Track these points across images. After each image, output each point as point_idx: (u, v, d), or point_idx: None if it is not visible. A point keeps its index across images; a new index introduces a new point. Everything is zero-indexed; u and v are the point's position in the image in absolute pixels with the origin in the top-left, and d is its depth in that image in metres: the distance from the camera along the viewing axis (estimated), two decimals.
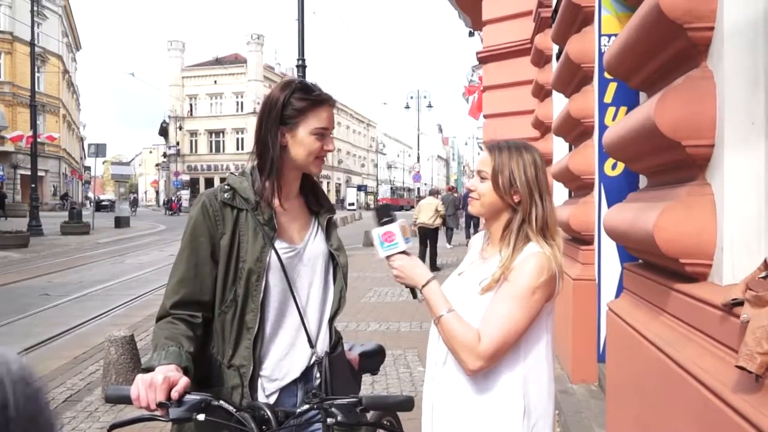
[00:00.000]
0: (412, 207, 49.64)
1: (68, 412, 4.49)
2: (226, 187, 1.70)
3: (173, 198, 50.99)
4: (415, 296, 1.70)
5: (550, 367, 1.72)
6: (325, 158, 1.75)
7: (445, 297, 1.67)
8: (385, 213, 1.72)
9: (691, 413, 1.90)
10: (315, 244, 1.79)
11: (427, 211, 12.39)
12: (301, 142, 1.67)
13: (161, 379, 1.35)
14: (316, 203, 1.84)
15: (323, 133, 1.69)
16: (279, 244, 1.69)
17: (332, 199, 64.28)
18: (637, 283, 2.77)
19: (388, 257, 1.71)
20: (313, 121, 1.67)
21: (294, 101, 1.66)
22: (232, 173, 1.76)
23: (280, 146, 1.68)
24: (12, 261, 14.60)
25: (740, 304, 1.61)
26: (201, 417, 1.35)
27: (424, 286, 1.68)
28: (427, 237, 12.45)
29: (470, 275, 1.77)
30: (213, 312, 1.67)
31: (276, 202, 1.72)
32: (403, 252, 1.71)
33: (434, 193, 16.46)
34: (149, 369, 1.41)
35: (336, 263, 1.81)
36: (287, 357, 1.70)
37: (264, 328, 1.67)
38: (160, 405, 1.33)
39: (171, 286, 1.63)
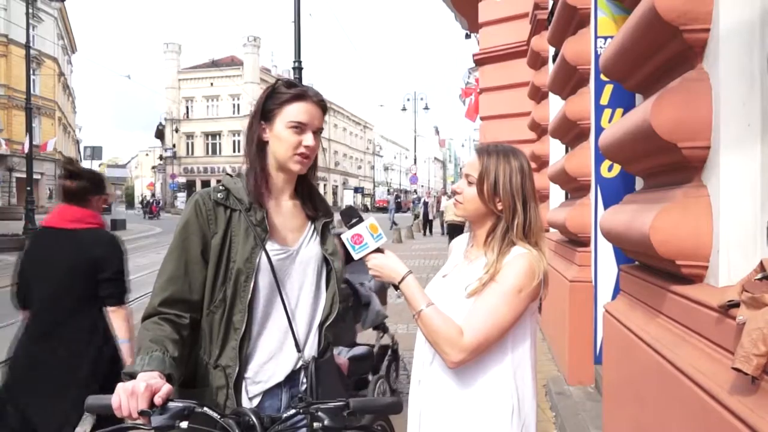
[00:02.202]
0: (409, 209, 49.56)
1: None
2: (220, 187, 1.70)
3: (152, 200, 48.90)
4: (397, 288, 1.71)
5: (534, 366, 1.73)
6: (309, 157, 1.72)
7: (423, 292, 1.68)
8: (350, 216, 1.73)
9: (687, 415, 1.90)
10: (309, 248, 1.78)
11: (452, 210, 13.57)
12: (278, 135, 1.68)
13: (143, 387, 1.32)
14: (312, 208, 1.83)
15: (300, 128, 1.68)
16: (270, 246, 1.68)
17: (329, 201, 64.31)
18: (634, 285, 2.77)
19: (363, 257, 1.72)
20: (289, 114, 1.67)
21: (275, 96, 1.69)
22: (227, 174, 1.76)
23: (261, 141, 1.69)
24: (8, 264, 14.49)
25: (736, 305, 1.61)
26: (184, 425, 1.32)
27: (400, 282, 1.68)
28: (455, 232, 13.76)
29: (455, 277, 1.77)
30: (201, 313, 1.65)
31: (268, 202, 1.72)
32: (377, 250, 1.72)
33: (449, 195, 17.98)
34: (131, 374, 1.39)
35: (330, 268, 1.80)
36: (272, 360, 1.69)
37: (250, 330, 1.66)
38: (142, 413, 1.31)
39: (160, 283, 1.61)
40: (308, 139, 1.69)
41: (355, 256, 1.72)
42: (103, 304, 2.78)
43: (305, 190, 1.83)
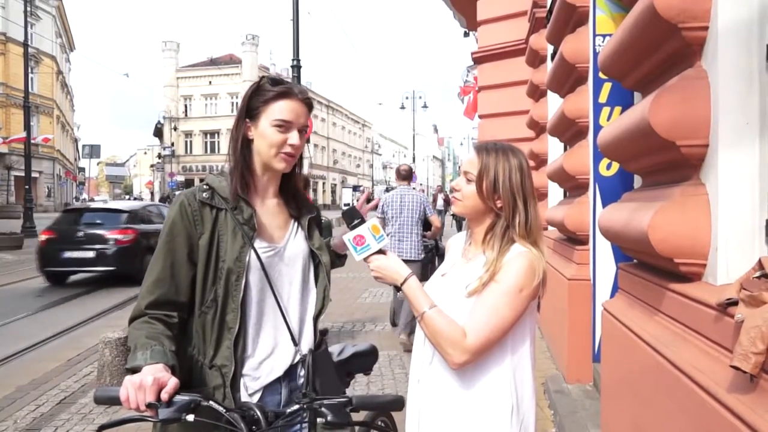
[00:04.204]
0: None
1: (62, 414, 4.47)
2: (204, 186, 1.69)
3: (133, 198, 48.45)
4: (399, 289, 1.71)
5: (534, 364, 1.73)
6: (294, 156, 1.71)
7: (426, 293, 1.67)
8: (352, 217, 1.72)
9: (685, 413, 1.90)
10: (295, 243, 1.78)
11: None
12: (262, 133, 1.66)
13: (151, 381, 1.34)
14: (296, 207, 1.83)
15: (285, 126, 1.66)
16: (258, 244, 1.68)
17: (328, 199, 64.32)
18: (632, 283, 2.77)
19: (365, 259, 1.71)
20: (274, 112, 1.66)
21: (260, 93, 1.67)
22: (211, 173, 1.75)
23: (245, 139, 1.68)
24: (6, 263, 14.53)
25: (735, 303, 1.61)
26: (190, 417, 1.35)
27: (402, 283, 1.68)
28: None
29: (454, 276, 1.76)
30: (188, 312, 1.66)
31: (254, 200, 1.71)
32: (379, 251, 1.71)
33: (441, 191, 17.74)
34: (135, 369, 1.40)
35: (318, 262, 1.81)
36: (271, 356, 1.69)
37: (245, 328, 1.66)
38: (149, 406, 1.33)
39: (146, 286, 1.61)
40: (293, 137, 1.68)
41: (357, 258, 1.71)
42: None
43: (290, 190, 1.82)
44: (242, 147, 1.69)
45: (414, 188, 6.55)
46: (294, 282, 1.76)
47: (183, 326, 1.65)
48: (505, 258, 1.64)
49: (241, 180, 1.68)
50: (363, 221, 1.71)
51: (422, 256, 6.33)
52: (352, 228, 1.71)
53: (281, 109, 1.66)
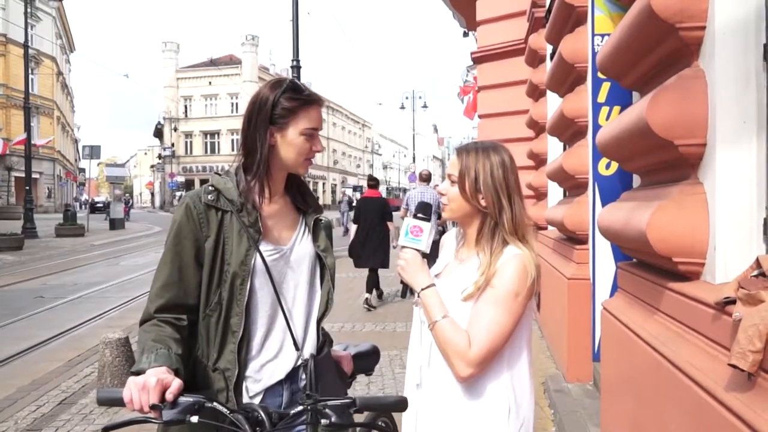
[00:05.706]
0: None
1: (63, 414, 4.48)
2: (209, 188, 1.67)
3: (123, 200, 47.39)
4: (404, 293, 1.72)
5: (531, 364, 1.73)
6: (313, 159, 1.74)
7: (442, 303, 1.66)
8: (424, 210, 1.75)
9: (684, 411, 1.90)
10: (302, 245, 1.77)
11: None
12: (290, 142, 1.66)
13: (154, 382, 1.34)
14: (303, 202, 1.82)
15: (312, 134, 1.68)
16: (264, 246, 1.67)
17: (328, 199, 64.40)
18: (631, 282, 2.78)
19: (403, 247, 1.73)
20: (303, 122, 1.65)
21: (284, 101, 1.64)
22: (216, 173, 1.72)
23: (269, 146, 1.66)
24: (6, 263, 14.53)
25: (733, 302, 1.62)
26: (194, 419, 1.35)
27: (423, 289, 1.68)
28: None
29: (448, 278, 1.76)
30: (198, 315, 1.65)
31: (262, 202, 1.70)
32: (420, 251, 1.72)
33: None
34: (139, 372, 1.40)
35: (323, 264, 1.80)
36: (274, 359, 1.69)
37: (249, 332, 1.65)
38: (153, 407, 1.33)
39: (155, 290, 1.60)
40: (318, 143, 1.70)
41: (402, 242, 1.74)
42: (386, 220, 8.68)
43: (294, 185, 1.82)
44: (266, 154, 1.66)
45: (432, 187, 9.05)
46: (299, 285, 1.75)
47: (194, 328, 1.65)
48: (498, 261, 1.63)
49: (260, 185, 1.68)
50: (429, 220, 1.74)
51: (438, 237, 8.45)
52: (418, 219, 1.73)
53: (310, 118, 1.67)
